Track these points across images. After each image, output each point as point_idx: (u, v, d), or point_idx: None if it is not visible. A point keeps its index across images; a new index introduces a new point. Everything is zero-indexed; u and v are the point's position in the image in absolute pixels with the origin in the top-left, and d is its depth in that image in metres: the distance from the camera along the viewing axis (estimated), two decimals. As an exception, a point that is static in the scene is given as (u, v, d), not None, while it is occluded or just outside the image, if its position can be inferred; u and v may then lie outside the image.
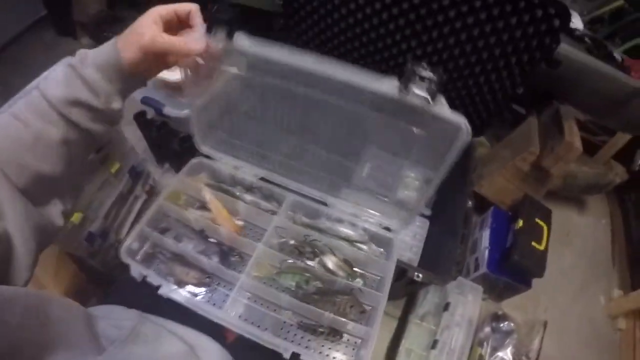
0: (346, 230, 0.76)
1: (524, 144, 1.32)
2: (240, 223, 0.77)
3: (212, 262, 0.71)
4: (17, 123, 0.48)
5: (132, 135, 1.47)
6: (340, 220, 0.77)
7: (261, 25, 1.57)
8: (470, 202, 1.10)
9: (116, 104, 0.54)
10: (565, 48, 1.29)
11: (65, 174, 0.53)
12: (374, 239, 0.77)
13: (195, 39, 0.57)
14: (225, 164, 0.84)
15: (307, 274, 0.70)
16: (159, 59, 0.58)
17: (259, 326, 0.68)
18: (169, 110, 1.24)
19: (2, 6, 1.86)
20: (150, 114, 1.38)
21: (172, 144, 1.29)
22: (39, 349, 0.40)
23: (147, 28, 0.54)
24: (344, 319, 0.67)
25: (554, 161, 1.26)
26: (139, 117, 1.41)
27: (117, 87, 0.54)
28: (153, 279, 0.69)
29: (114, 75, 0.53)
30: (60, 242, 1.15)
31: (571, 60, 1.28)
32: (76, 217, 1.17)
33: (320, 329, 0.69)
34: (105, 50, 0.53)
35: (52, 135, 0.49)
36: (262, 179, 0.82)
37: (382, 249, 0.77)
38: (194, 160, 0.85)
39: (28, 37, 2.00)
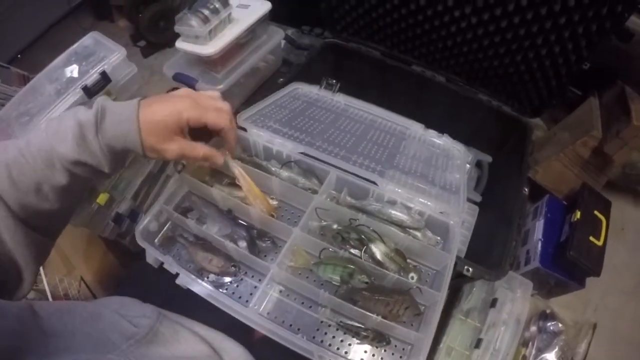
0: (398, 214, 0.59)
1: (585, 127, 1.12)
2: (274, 203, 0.62)
3: (239, 248, 0.56)
4: (25, 163, 0.46)
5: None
6: (392, 202, 0.60)
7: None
8: (526, 189, 0.93)
9: (121, 167, 0.53)
10: (635, 21, 1.10)
11: (63, 209, 0.51)
12: (430, 225, 0.60)
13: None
14: (259, 135, 0.69)
15: (352, 266, 0.54)
16: None
17: (290, 325, 0.53)
18: (203, 86, 1.12)
19: None
20: (184, 91, 1.27)
21: None
22: (39, 356, 0.37)
23: (174, 137, 0.51)
24: (393, 323, 0.51)
25: (618, 147, 1.07)
26: (172, 95, 1.29)
27: (125, 161, 0.53)
28: (170, 265, 0.55)
29: (126, 156, 0.52)
30: (87, 224, 1.04)
31: (640, 34, 1.09)
32: (102, 199, 1.05)
33: (364, 333, 0.53)
34: (125, 130, 0.48)
35: (56, 182, 0.47)
36: (302, 153, 0.66)
37: (439, 237, 0.60)
38: (224, 131, 0.70)
39: (67, 22, 1.98)
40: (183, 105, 0.50)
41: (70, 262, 1.14)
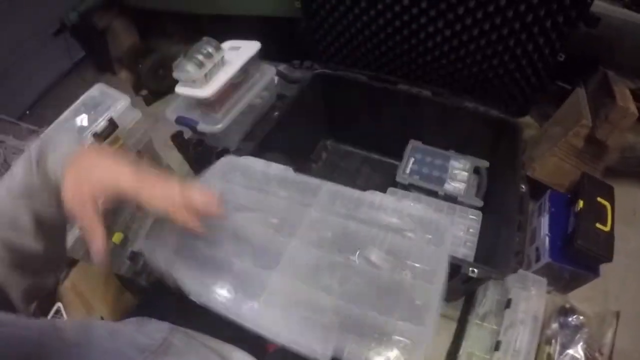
0: (389, 219, 0.65)
1: (575, 118, 1.16)
2: (274, 221, 0.69)
3: (244, 263, 0.62)
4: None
5: (175, 156, 1.45)
6: (382, 208, 0.67)
7: (282, 36, 1.53)
8: (523, 186, 0.97)
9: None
10: (601, 5, 1.15)
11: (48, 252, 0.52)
12: (421, 225, 0.66)
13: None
14: (256, 161, 0.76)
15: (348, 270, 0.60)
16: None
17: (296, 330, 0.58)
18: (204, 127, 1.19)
19: (45, 50, 1.98)
20: (187, 133, 1.34)
21: (210, 160, 1.26)
22: None
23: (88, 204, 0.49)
24: (392, 319, 0.56)
25: (608, 131, 1.10)
26: (176, 138, 1.36)
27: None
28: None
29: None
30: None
31: (610, 17, 1.12)
32: (117, 238, 1.13)
33: (365, 330, 0.58)
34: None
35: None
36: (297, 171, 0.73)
37: (430, 236, 0.66)
38: (225, 160, 0.78)
39: (71, 77, 2.10)
40: (121, 174, 0.50)
41: (89, 302, 1.19)
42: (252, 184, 0.75)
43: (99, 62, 2.12)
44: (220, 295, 0.59)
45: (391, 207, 0.67)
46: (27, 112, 1.97)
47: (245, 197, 0.73)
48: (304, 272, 0.61)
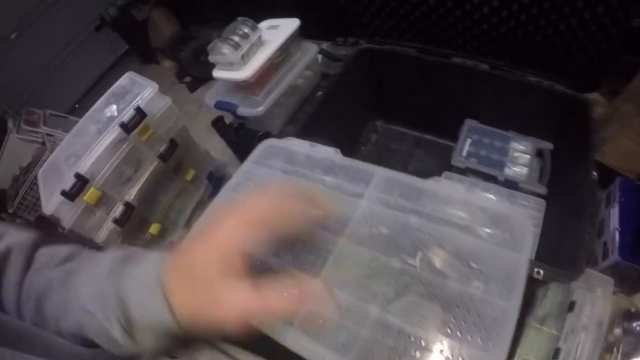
0: (457, 213, 0.52)
1: (650, 94, 0.98)
2: (318, 212, 0.57)
3: (283, 263, 0.51)
4: None
5: (218, 142, 1.38)
6: (448, 201, 0.53)
7: (324, 12, 1.40)
8: (595, 173, 0.81)
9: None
10: None
11: None
12: (495, 222, 0.52)
13: None
14: (300, 143, 0.65)
15: (407, 277, 0.47)
16: None
17: (342, 346, 0.46)
18: (244, 110, 1.11)
19: (89, 46, 2.08)
20: (228, 118, 1.27)
21: (252, 144, 1.18)
22: None
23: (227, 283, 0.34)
24: (456, 342, 0.43)
25: (691, 111, 0.92)
26: (217, 123, 1.30)
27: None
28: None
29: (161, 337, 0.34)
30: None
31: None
32: (154, 229, 1.07)
33: (424, 356, 0.45)
34: (151, 307, 0.32)
35: None
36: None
37: (507, 236, 0.52)
38: (265, 143, 0.66)
39: (116, 70, 2.14)
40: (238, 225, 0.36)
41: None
42: (295, 169, 0.63)
43: (141, 53, 2.15)
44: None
45: (459, 198, 0.53)
46: (77, 105, 2.06)
47: (287, 185, 0.62)
48: (354, 278, 0.48)
